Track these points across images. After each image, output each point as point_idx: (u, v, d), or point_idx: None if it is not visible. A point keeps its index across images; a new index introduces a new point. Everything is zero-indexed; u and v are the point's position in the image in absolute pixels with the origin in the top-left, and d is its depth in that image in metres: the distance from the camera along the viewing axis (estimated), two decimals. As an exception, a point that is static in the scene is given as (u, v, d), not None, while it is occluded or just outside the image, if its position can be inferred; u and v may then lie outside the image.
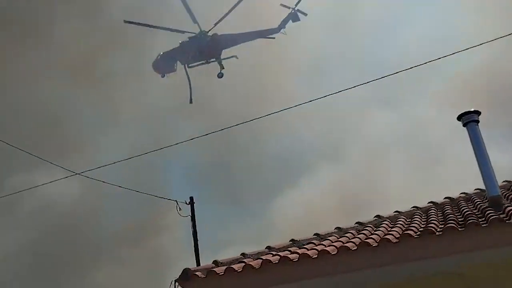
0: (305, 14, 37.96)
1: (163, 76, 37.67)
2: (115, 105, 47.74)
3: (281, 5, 37.17)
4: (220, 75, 37.18)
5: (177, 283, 9.55)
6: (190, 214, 19.69)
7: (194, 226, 19.19)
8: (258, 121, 16.67)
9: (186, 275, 9.28)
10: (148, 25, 35.62)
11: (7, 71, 44.44)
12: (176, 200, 19.65)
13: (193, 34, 36.69)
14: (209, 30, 36.96)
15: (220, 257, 9.85)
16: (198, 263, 18.54)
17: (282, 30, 38.16)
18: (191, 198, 20.08)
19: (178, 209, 19.42)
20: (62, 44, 45.11)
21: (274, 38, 38.41)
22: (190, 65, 37.27)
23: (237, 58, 38.56)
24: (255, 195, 52.26)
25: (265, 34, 38.38)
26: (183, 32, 36.55)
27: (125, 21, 34.98)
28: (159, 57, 37.27)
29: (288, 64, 50.11)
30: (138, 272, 45.73)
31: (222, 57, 37.79)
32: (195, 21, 36.03)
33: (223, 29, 37.10)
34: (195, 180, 53.59)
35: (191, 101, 37.43)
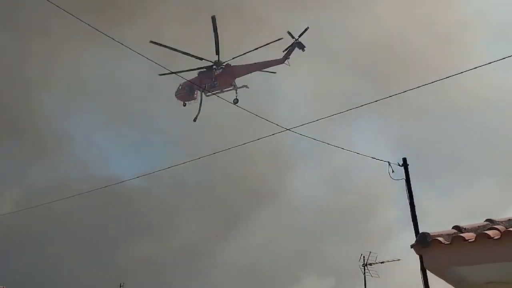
0: (305, 47, 37.99)
1: (184, 105, 37.10)
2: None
3: (288, 33, 37.15)
4: (236, 101, 36.66)
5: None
6: (404, 177, 16.90)
7: (409, 190, 16.98)
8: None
9: (425, 240, 8.05)
10: (172, 48, 34.78)
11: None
12: (388, 162, 17.09)
13: (210, 63, 36.26)
14: (225, 62, 36.56)
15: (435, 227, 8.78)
16: (416, 231, 16.22)
17: (286, 61, 38.06)
18: (404, 160, 17.28)
19: (391, 171, 16.72)
20: None
21: (275, 73, 38.63)
22: (207, 94, 36.70)
23: (248, 87, 38.29)
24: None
25: (272, 64, 38.20)
26: (201, 59, 35.89)
27: (151, 42, 34.20)
28: (180, 87, 36.73)
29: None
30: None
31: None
32: (217, 52, 35.79)
33: (235, 60, 36.83)
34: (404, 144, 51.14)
35: (195, 120, 37.64)
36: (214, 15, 34.74)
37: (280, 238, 49.72)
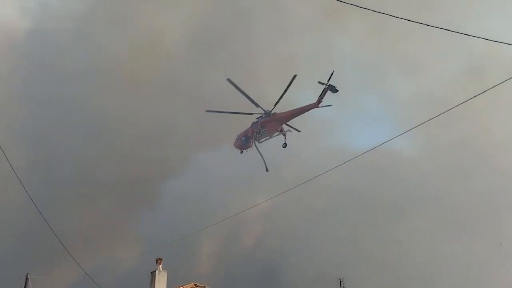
0: (337, 90, 41.80)
1: (241, 152, 41.45)
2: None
3: (319, 82, 41.14)
4: (284, 145, 40.82)
5: None
6: None
7: None
8: None
9: None
10: (227, 111, 39.15)
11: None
12: None
13: (260, 115, 40.76)
14: (271, 110, 40.80)
15: None
16: None
17: (320, 104, 41.99)
18: None
19: None
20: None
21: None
22: (260, 141, 41.07)
23: (291, 131, 42.40)
24: None
25: (309, 108, 42.19)
26: (252, 114, 40.53)
27: (207, 111, 38.50)
28: (237, 137, 41.10)
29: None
30: None
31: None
32: (257, 105, 40.18)
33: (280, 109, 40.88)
34: None
35: (267, 170, 41.33)
36: (229, 78, 38.92)
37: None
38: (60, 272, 44.49)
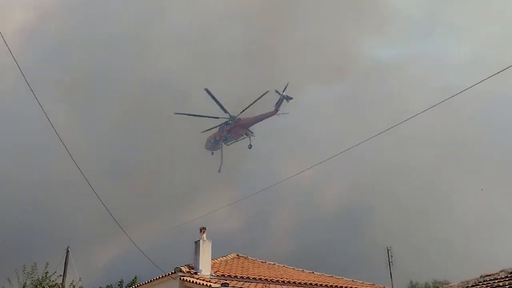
0: (291, 98, 47.07)
1: (212, 154, 45.93)
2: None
3: (276, 91, 46.28)
4: (250, 147, 45.62)
5: None
6: None
7: None
8: None
9: None
10: (194, 114, 43.85)
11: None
12: None
13: (226, 119, 45.53)
14: (237, 116, 45.52)
15: None
16: None
17: (278, 112, 47.11)
18: None
19: None
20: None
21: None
22: (227, 143, 45.74)
23: (254, 135, 47.28)
24: None
25: (268, 115, 47.25)
26: (218, 117, 45.13)
27: (176, 113, 42.87)
28: (207, 140, 45.66)
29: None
30: None
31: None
32: (225, 111, 44.86)
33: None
34: None
35: (219, 171, 45.70)
36: (207, 88, 43.50)
37: None
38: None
